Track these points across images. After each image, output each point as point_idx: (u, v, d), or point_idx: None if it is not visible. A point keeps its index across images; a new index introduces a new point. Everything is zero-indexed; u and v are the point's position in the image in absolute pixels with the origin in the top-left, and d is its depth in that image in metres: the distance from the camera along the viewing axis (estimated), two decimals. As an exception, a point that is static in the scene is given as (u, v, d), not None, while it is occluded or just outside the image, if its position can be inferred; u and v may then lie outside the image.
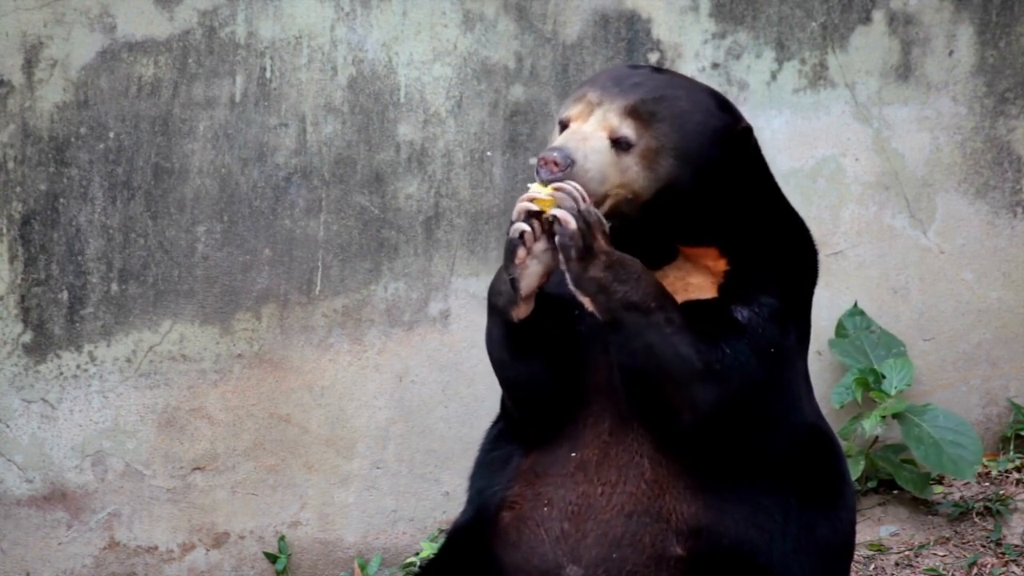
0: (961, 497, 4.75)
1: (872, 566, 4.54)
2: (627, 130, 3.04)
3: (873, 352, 4.70)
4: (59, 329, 4.47)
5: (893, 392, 4.62)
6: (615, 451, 3.11)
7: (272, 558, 4.63)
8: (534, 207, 2.98)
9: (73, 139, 4.42)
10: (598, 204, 3.03)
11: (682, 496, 3.08)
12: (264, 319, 4.56)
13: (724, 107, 3.15)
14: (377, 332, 4.62)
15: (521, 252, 3.00)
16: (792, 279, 3.17)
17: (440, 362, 4.66)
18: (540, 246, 3.01)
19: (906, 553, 4.57)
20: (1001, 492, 4.74)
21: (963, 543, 4.60)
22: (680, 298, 3.10)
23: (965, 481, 4.75)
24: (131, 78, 4.43)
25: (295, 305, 4.57)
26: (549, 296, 3.08)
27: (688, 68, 4.58)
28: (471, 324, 4.61)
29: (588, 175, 3.01)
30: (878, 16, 4.71)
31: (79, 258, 4.46)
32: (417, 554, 4.64)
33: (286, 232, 4.55)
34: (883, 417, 4.58)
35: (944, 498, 4.75)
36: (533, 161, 4.44)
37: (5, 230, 4.42)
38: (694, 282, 3.14)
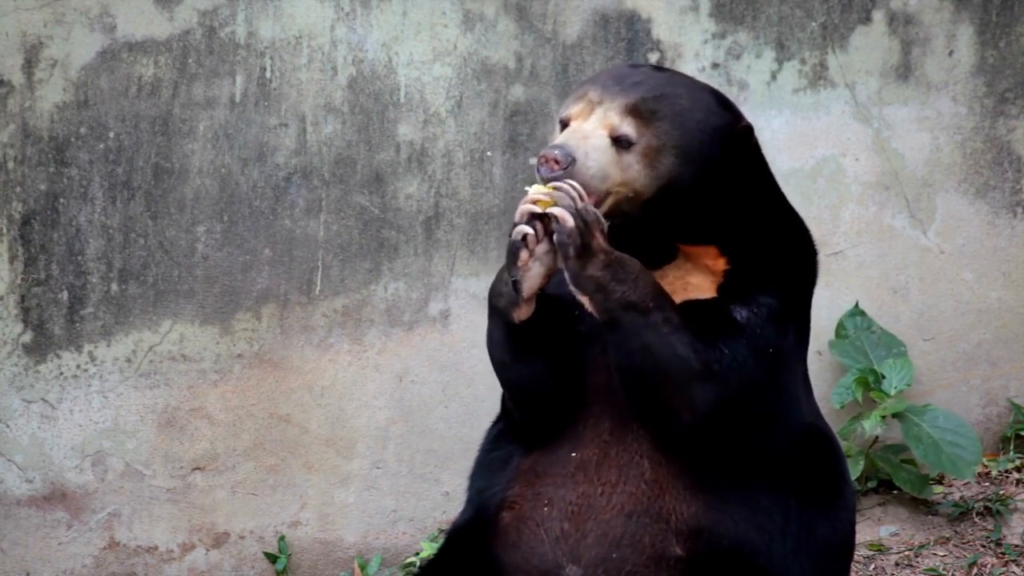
0: (961, 497, 4.75)
1: (872, 566, 4.54)
2: (628, 128, 3.05)
3: (873, 352, 4.70)
4: (59, 329, 4.47)
5: (893, 392, 4.62)
6: (615, 451, 3.11)
7: (272, 558, 4.63)
8: (537, 209, 2.98)
9: (73, 139, 4.42)
10: (599, 202, 3.04)
11: (682, 496, 3.08)
12: (264, 319, 4.56)
13: (725, 105, 3.15)
14: (377, 332, 4.62)
15: (524, 254, 3.00)
16: (791, 279, 3.17)
17: (440, 362, 4.66)
18: (542, 248, 3.01)
19: (906, 553, 4.58)
20: (1001, 492, 4.74)
21: (963, 543, 4.60)
22: (679, 298, 3.11)
23: (965, 481, 4.75)
24: (131, 78, 4.43)
25: (295, 305, 4.57)
26: (550, 297, 3.08)
27: (688, 68, 4.58)
28: (471, 324, 4.61)
29: (589, 173, 3.01)
30: (878, 16, 4.71)
31: (79, 258, 4.46)
32: (417, 554, 4.64)
33: (286, 232, 4.55)
34: (883, 417, 4.58)
35: (944, 498, 4.75)
36: (533, 161, 4.44)
37: (5, 230, 4.42)
38: (693, 282, 3.14)
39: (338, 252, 4.57)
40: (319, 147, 4.54)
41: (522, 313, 3.07)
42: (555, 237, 2.97)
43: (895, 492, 4.76)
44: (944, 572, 4.50)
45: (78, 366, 4.50)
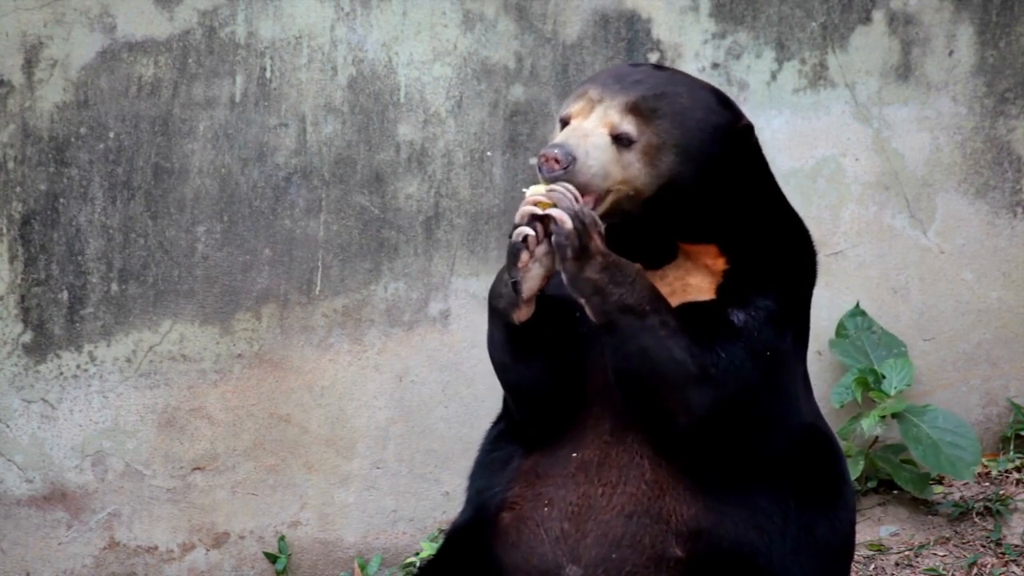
0: (961, 497, 4.75)
1: (872, 566, 4.54)
2: (628, 126, 3.05)
3: (873, 352, 4.70)
4: (59, 329, 4.47)
5: (893, 392, 4.62)
6: (615, 452, 3.11)
7: (272, 558, 4.63)
8: (538, 210, 2.98)
9: (73, 139, 4.42)
10: (599, 200, 3.04)
11: (682, 497, 3.08)
12: (264, 319, 4.56)
13: (725, 104, 3.15)
14: (377, 332, 4.62)
15: (524, 256, 3.00)
16: (791, 280, 3.16)
17: (440, 362, 4.66)
18: (542, 249, 3.01)
19: (906, 553, 4.57)
20: (1001, 492, 4.74)
21: (963, 543, 4.60)
22: (679, 298, 3.11)
23: (965, 481, 4.75)
24: (131, 78, 4.43)
25: (295, 305, 4.57)
26: (549, 298, 3.08)
27: (688, 68, 4.58)
28: (471, 324, 4.61)
29: (590, 171, 3.01)
30: (878, 16, 4.71)
31: (79, 258, 4.46)
32: (417, 554, 4.64)
33: (286, 232, 4.55)
34: (883, 417, 4.58)
35: (944, 498, 4.75)
36: (533, 161, 4.44)
37: (5, 230, 4.42)
38: (693, 282, 3.14)
39: (338, 252, 4.57)
40: (319, 147, 4.54)
41: (522, 314, 3.07)
42: (553, 239, 2.97)
43: (895, 492, 4.76)
44: (944, 572, 4.50)
45: (78, 366, 4.50)
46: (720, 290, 3.12)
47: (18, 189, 4.41)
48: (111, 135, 4.44)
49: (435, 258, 4.61)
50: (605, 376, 3.08)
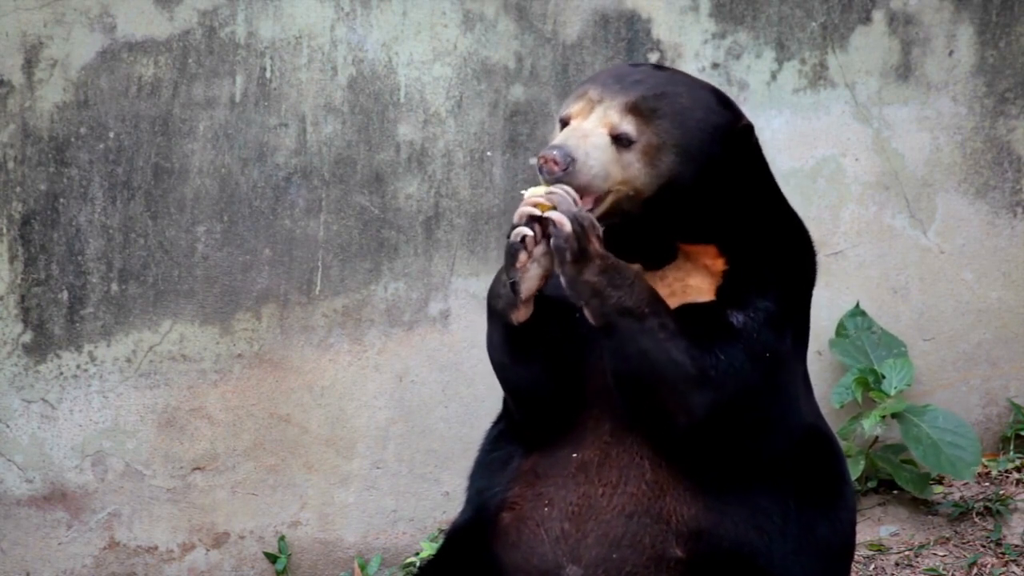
0: (961, 497, 4.75)
1: (872, 566, 4.54)
2: (628, 127, 3.04)
3: (873, 352, 4.70)
4: (59, 329, 4.47)
5: (893, 392, 4.62)
6: (616, 452, 3.11)
7: (272, 558, 4.63)
8: (536, 211, 2.97)
9: (73, 139, 4.42)
10: (599, 201, 3.04)
11: (682, 498, 3.08)
12: (264, 319, 4.56)
13: (725, 104, 3.15)
14: (377, 332, 4.62)
15: (522, 256, 3.00)
16: (790, 281, 3.16)
17: (440, 362, 4.66)
18: (540, 250, 3.01)
19: (906, 553, 4.57)
20: (1001, 492, 4.74)
21: (963, 543, 4.60)
22: (679, 299, 3.11)
23: (965, 481, 4.75)
24: (131, 78, 4.43)
25: (295, 305, 4.57)
26: (549, 299, 3.08)
27: (688, 68, 4.58)
28: (471, 324, 4.61)
29: (590, 173, 3.01)
30: (878, 16, 4.71)
31: (79, 258, 4.46)
32: (417, 554, 4.64)
33: (286, 232, 4.55)
34: (883, 417, 4.58)
35: (944, 498, 4.75)
36: (534, 161, 4.44)
37: (5, 230, 4.42)
38: (692, 283, 3.14)
39: (338, 252, 4.57)
40: (319, 147, 4.54)
41: (520, 315, 3.07)
42: (552, 242, 2.97)
43: (895, 492, 4.76)
44: (944, 572, 4.50)
45: (78, 366, 4.49)
46: (720, 291, 3.12)
47: (18, 189, 4.41)
48: (111, 135, 4.44)
49: (435, 258, 4.61)
50: (605, 377, 3.08)
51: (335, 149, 4.54)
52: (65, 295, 4.46)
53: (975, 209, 4.82)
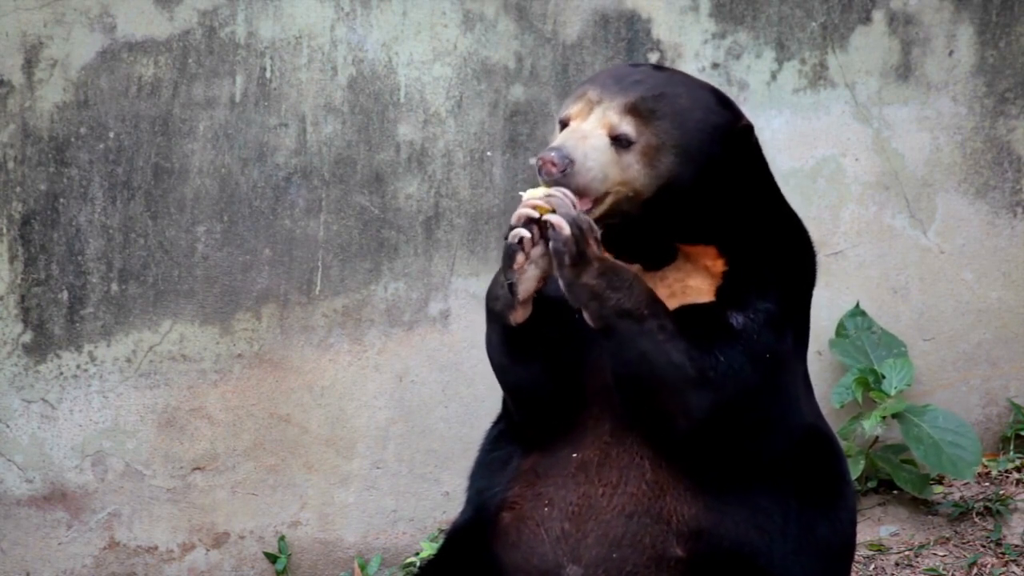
0: (961, 497, 4.75)
1: (872, 566, 4.54)
2: (627, 127, 3.04)
3: (873, 352, 4.70)
4: (59, 329, 4.47)
5: (893, 392, 4.62)
6: (616, 452, 3.11)
7: (272, 558, 4.63)
8: (534, 214, 2.97)
9: (73, 139, 4.42)
10: (598, 202, 3.03)
11: (683, 498, 3.08)
12: (264, 319, 4.56)
13: (724, 104, 3.15)
14: (377, 332, 4.62)
15: (520, 258, 3.00)
16: (790, 281, 3.16)
17: (440, 362, 4.66)
18: (538, 251, 3.00)
19: (906, 553, 4.58)
20: (1001, 492, 4.74)
21: (963, 543, 4.60)
22: (679, 300, 3.11)
23: (965, 481, 4.75)
24: (131, 78, 4.43)
25: (295, 305, 4.57)
26: (548, 299, 3.08)
27: (688, 68, 4.58)
28: (471, 324, 4.61)
29: (589, 175, 3.01)
30: (878, 16, 4.71)
31: (79, 258, 4.46)
32: (417, 554, 4.64)
33: (286, 232, 4.55)
34: (883, 417, 4.58)
35: (944, 498, 4.75)
36: (533, 161, 4.44)
37: (5, 230, 4.42)
38: (692, 284, 3.14)
39: (338, 252, 4.57)
40: (319, 147, 4.54)
41: (518, 316, 3.07)
42: (551, 245, 2.96)
43: (895, 492, 4.76)
44: (944, 572, 4.50)
45: (78, 366, 4.49)
46: (719, 292, 3.12)
47: (18, 189, 4.41)
48: (111, 135, 4.44)
49: (435, 258, 4.61)
50: (604, 377, 3.08)
51: (335, 149, 4.54)
52: (65, 295, 4.46)
53: (975, 209, 4.82)
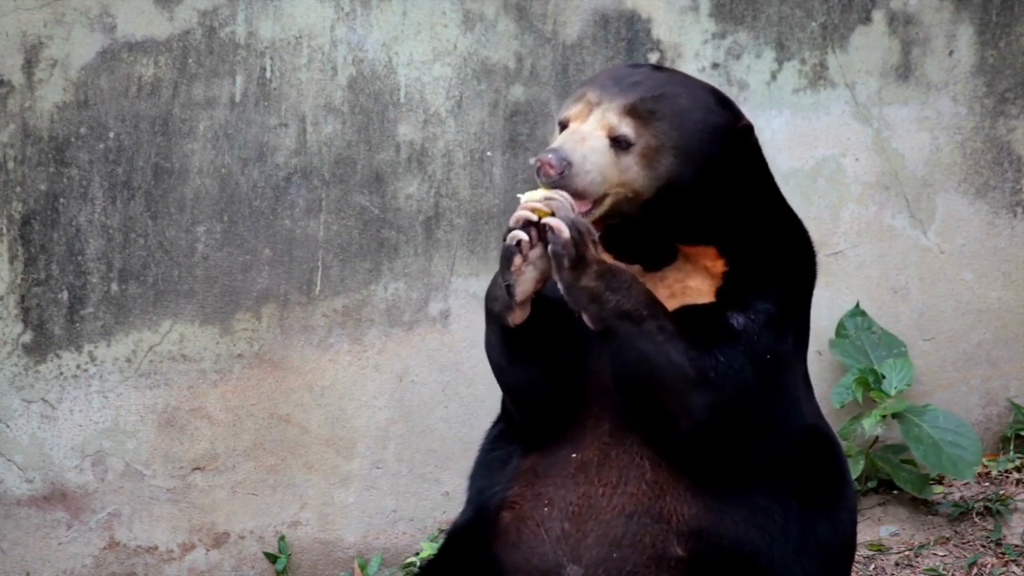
0: (961, 497, 4.75)
1: (872, 566, 4.54)
2: (626, 129, 3.04)
3: (873, 352, 4.70)
4: (59, 329, 4.47)
5: (893, 392, 4.63)
6: (615, 452, 3.11)
7: (272, 558, 4.63)
8: (533, 216, 2.97)
9: (73, 139, 4.42)
10: (597, 203, 3.03)
11: (683, 497, 3.08)
12: (264, 319, 4.56)
13: (724, 104, 3.14)
14: (377, 332, 4.62)
15: (517, 260, 3.00)
16: (790, 282, 3.16)
17: (440, 362, 4.66)
18: (536, 253, 3.01)
19: (906, 553, 4.58)
20: (1001, 492, 4.74)
21: (963, 543, 4.60)
22: (678, 301, 3.11)
23: (965, 481, 4.75)
24: (131, 78, 4.43)
25: (295, 305, 4.57)
26: (547, 300, 3.08)
27: (688, 68, 4.58)
28: (471, 324, 4.61)
29: (588, 176, 3.01)
30: (878, 16, 4.71)
31: (79, 258, 4.46)
32: (417, 554, 4.64)
33: (286, 232, 4.55)
34: (883, 417, 4.58)
35: (944, 498, 4.75)
36: (533, 162, 4.44)
37: (5, 230, 4.42)
38: (692, 284, 3.14)
39: (338, 252, 4.57)
40: (319, 147, 4.54)
41: (516, 317, 3.07)
42: (550, 248, 2.96)
43: (895, 492, 4.76)
44: (944, 572, 4.50)
45: (78, 366, 4.49)
46: (719, 293, 3.12)
47: (18, 189, 4.41)
48: (111, 135, 4.44)
49: (435, 258, 4.61)
50: (604, 377, 3.08)
51: (335, 149, 4.54)
52: (65, 295, 4.46)
53: (975, 209, 4.82)
